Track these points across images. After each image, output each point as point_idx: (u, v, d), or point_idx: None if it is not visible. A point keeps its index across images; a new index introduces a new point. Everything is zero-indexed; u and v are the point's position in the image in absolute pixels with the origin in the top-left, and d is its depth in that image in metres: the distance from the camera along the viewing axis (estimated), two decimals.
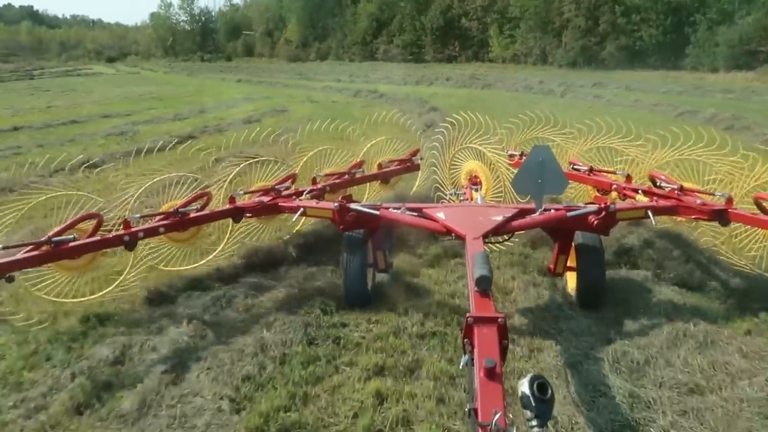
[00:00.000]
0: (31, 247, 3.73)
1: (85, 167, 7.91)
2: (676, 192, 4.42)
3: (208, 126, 14.40)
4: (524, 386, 1.98)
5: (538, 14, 44.49)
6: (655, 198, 4.51)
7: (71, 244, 3.83)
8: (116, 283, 4.27)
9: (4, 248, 3.65)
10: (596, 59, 40.49)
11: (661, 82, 26.62)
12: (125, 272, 4.31)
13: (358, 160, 5.69)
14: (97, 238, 3.98)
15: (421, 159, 6.29)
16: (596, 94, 21.92)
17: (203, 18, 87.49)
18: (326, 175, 5.36)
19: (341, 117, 15.29)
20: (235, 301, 4.28)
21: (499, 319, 2.46)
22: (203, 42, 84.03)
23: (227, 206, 4.54)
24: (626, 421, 2.89)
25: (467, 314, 2.50)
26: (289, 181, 5.05)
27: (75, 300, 4.12)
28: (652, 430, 2.84)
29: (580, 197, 5.76)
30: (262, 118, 16.37)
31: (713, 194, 4.34)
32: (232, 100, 22.29)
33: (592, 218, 3.95)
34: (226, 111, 18.40)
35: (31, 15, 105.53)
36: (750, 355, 3.44)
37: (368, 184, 5.96)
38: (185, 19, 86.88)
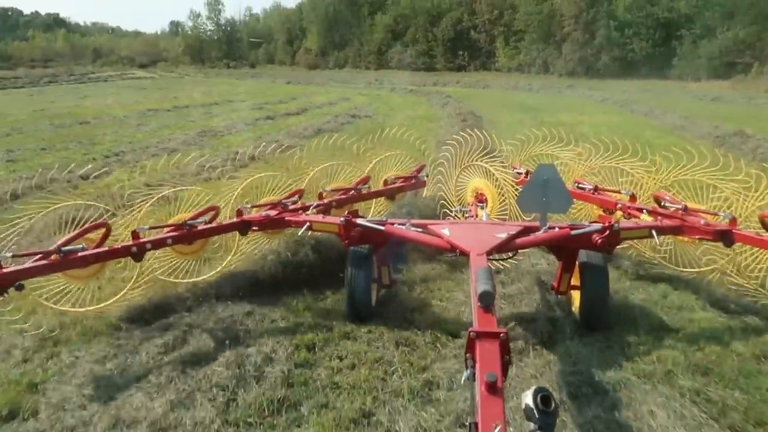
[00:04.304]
0: (39, 255, 3.50)
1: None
2: (680, 212, 4.11)
3: (312, 105, 21.32)
4: (528, 398, 1.86)
5: (541, 27, 44.65)
6: (659, 218, 4.19)
7: (80, 254, 3.60)
8: (122, 293, 4.04)
9: (13, 257, 3.43)
10: (593, 69, 40.61)
11: (622, 86, 29.95)
12: (131, 283, 4.08)
13: (365, 175, 5.41)
14: (105, 248, 3.75)
15: (427, 176, 5.98)
16: (562, 91, 28.29)
17: (228, 27, 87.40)
18: (332, 190, 5.09)
19: (390, 102, 22.86)
20: None
21: (501, 335, 2.31)
22: (229, 50, 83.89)
23: (234, 219, 4.29)
24: None
25: (469, 329, 2.34)
26: (296, 195, 4.80)
27: (80, 309, 3.88)
28: None
29: (585, 217, 5.40)
30: (337, 102, 22.65)
31: (718, 214, 4.03)
32: (302, 94, 28.00)
33: (596, 237, 3.68)
34: (308, 99, 24.60)
35: (58, 22, 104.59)
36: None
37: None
38: (212, 29, 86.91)
